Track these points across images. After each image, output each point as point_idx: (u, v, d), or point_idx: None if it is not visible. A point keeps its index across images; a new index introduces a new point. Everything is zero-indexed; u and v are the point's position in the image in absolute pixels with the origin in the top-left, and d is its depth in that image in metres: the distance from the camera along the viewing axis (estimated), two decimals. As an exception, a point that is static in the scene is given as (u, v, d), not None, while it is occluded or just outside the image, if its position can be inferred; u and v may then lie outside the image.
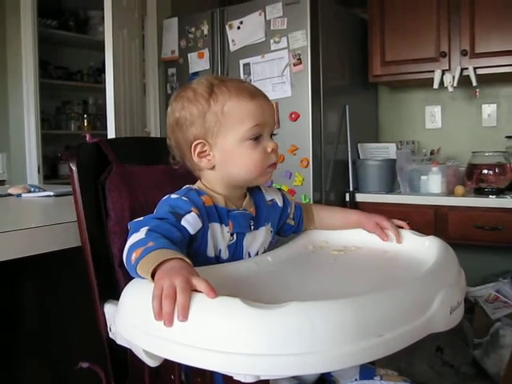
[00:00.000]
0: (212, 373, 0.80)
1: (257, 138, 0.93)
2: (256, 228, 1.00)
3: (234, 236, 0.96)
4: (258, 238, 1.01)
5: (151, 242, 0.77)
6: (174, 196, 0.91)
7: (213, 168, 0.96)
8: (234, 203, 0.98)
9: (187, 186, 0.96)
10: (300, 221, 1.13)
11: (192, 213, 0.88)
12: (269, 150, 0.94)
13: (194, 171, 1.00)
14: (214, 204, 0.94)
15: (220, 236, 0.94)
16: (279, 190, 1.12)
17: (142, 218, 0.87)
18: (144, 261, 0.75)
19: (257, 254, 1.01)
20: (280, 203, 1.08)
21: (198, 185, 0.98)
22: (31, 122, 3.14)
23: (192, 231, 0.88)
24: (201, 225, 0.90)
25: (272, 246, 1.06)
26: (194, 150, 0.94)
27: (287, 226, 1.12)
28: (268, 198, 1.06)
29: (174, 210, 0.88)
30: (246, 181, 0.97)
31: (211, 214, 0.93)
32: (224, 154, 0.94)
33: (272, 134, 0.97)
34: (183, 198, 0.90)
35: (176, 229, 0.85)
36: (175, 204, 0.89)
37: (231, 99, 0.92)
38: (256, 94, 0.94)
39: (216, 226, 0.93)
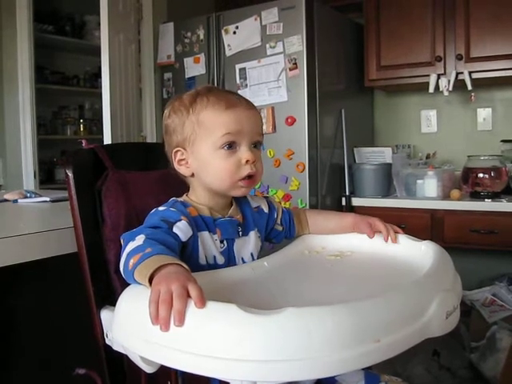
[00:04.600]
0: (209, 379, 0.80)
1: (231, 148, 0.93)
2: (245, 234, 1.01)
3: (225, 243, 0.97)
4: (249, 243, 1.02)
5: (149, 249, 0.78)
6: (161, 208, 0.93)
7: (192, 175, 0.98)
8: (219, 212, 0.99)
9: (173, 198, 0.98)
10: (290, 226, 1.13)
11: (182, 220, 0.90)
12: (243, 161, 0.93)
13: (182, 177, 1.02)
14: (200, 214, 0.96)
15: (211, 243, 0.95)
16: (265, 197, 1.13)
17: (134, 230, 0.87)
18: (142, 266, 0.75)
19: (252, 258, 1.02)
20: (266, 209, 1.09)
21: (183, 198, 1.00)
22: (27, 127, 3.13)
23: (184, 238, 0.89)
24: (191, 232, 0.91)
25: (263, 252, 1.06)
26: (175, 157, 0.98)
27: (275, 231, 1.12)
28: (254, 204, 1.07)
29: (164, 218, 0.89)
30: (220, 191, 0.97)
31: (199, 223, 0.94)
32: (199, 163, 0.95)
33: (256, 145, 0.96)
34: (171, 208, 0.93)
35: (170, 236, 0.86)
36: (165, 214, 0.91)
37: (207, 109, 0.93)
38: (234, 104, 0.93)
39: (205, 234, 0.94)
